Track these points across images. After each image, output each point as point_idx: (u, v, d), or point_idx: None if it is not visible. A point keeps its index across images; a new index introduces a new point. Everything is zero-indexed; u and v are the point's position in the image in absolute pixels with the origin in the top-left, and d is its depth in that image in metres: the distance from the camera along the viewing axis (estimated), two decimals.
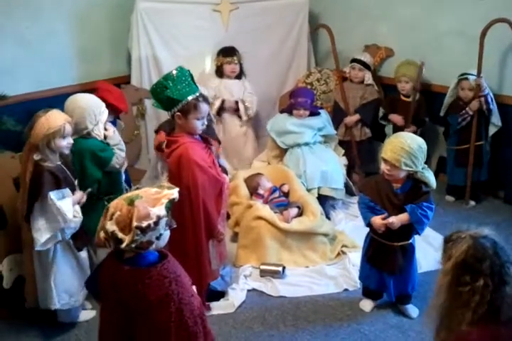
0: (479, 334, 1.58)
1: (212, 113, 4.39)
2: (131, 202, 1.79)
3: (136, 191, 1.89)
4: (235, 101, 4.47)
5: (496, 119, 4.02)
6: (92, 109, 2.98)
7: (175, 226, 1.94)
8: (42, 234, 2.63)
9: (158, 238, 1.85)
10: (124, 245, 1.77)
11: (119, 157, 3.08)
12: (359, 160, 4.54)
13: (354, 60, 4.57)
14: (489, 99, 3.92)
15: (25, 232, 2.75)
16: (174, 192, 1.89)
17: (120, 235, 1.76)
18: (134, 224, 1.75)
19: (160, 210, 1.81)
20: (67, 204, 2.66)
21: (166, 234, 1.92)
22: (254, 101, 4.50)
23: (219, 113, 4.49)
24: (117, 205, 1.80)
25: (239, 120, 4.56)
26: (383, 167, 2.72)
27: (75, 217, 2.69)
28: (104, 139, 3.05)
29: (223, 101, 4.45)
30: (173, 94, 2.72)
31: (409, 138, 2.70)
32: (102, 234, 1.81)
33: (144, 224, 1.76)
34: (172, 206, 1.87)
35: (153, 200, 1.83)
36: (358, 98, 4.57)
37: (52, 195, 2.61)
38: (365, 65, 4.57)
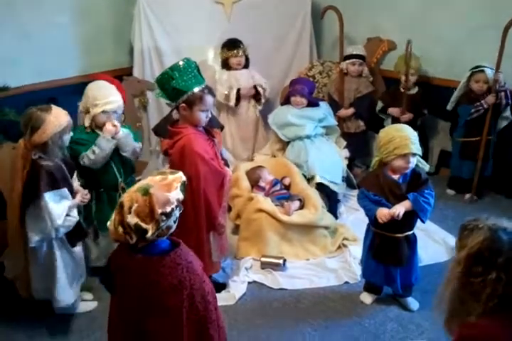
0: (490, 324, 1.57)
1: (231, 104, 4.43)
2: (145, 192, 1.79)
3: (142, 181, 1.88)
4: (254, 86, 4.50)
5: (508, 113, 4.00)
6: (88, 95, 3.02)
7: (183, 209, 1.95)
8: (35, 233, 2.63)
9: (175, 222, 1.88)
10: (149, 234, 1.77)
11: (86, 158, 2.99)
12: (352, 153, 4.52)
13: (353, 56, 4.51)
14: (508, 94, 3.90)
15: (17, 227, 2.72)
16: (181, 175, 1.91)
17: (144, 225, 1.76)
18: (159, 210, 1.76)
19: (178, 194, 1.84)
20: (61, 207, 2.64)
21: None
22: (266, 82, 4.56)
23: (237, 103, 4.52)
24: (131, 198, 1.79)
25: (254, 106, 4.61)
26: (403, 163, 2.70)
27: (70, 216, 2.69)
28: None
29: (239, 90, 4.46)
30: (179, 84, 2.71)
31: (407, 128, 2.77)
32: (120, 230, 1.79)
33: (168, 209, 1.78)
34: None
35: (165, 186, 1.83)
36: (353, 91, 4.56)
37: (48, 196, 2.59)
38: (364, 59, 4.56)
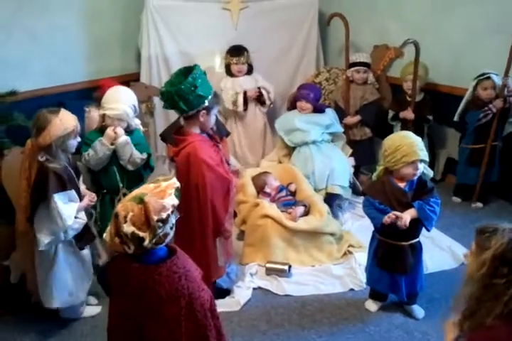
0: (504, 327, 1.57)
1: (240, 109, 4.46)
2: (140, 201, 1.78)
3: (136, 191, 1.88)
4: (257, 88, 4.52)
5: None
6: (105, 96, 3.10)
7: (179, 216, 1.95)
8: (45, 235, 2.64)
9: (171, 228, 1.87)
10: (147, 242, 1.77)
11: (83, 158, 3.05)
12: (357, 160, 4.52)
13: (358, 64, 4.52)
14: None
15: (25, 229, 2.74)
16: (175, 181, 1.90)
17: (141, 234, 1.76)
18: (155, 217, 1.76)
19: (172, 200, 1.83)
20: (71, 209, 2.66)
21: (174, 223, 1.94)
22: (270, 86, 4.58)
23: (245, 107, 4.55)
24: (126, 207, 1.79)
25: (261, 110, 4.63)
26: (411, 170, 2.69)
27: (79, 218, 2.71)
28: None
29: (245, 93, 4.49)
30: (203, 91, 2.71)
31: (412, 135, 2.77)
32: (117, 240, 1.79)
33: (164, 215, 1.78)
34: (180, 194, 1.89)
35: (159, 193, 1.83)
36: (359, 99, 4.56)
37: (57, 197, 2.60)
38: (368, 66, 4.58)
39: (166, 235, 1.85)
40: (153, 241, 1.80)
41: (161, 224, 1.78)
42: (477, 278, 1.62)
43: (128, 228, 1.76)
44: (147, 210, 1.76)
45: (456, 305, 1.68)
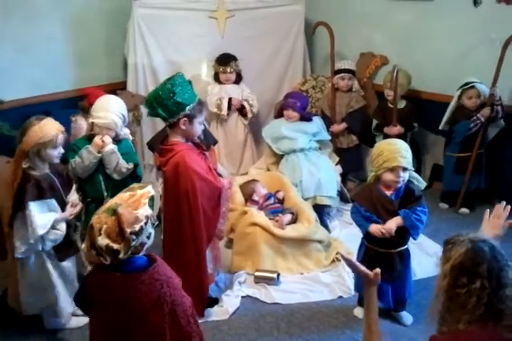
0: (477, 334, 1.60)
1: (223, 113, 4.47)
2: (113, 212, 1.78)
3: (111, 200, 1.87)
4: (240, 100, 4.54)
5: (498, 125, 4.06)
6: (93, 106, 3.08)
7: (157, 223, 1.94)
8: (21, 242, 2.63)
9: (148, 237, 1.87)
10: (122, 254, 1.77)
11: (70, 165, 3.02)
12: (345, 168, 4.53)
13: (343, 71, 4.55)
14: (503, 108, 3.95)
15: (9, 239, 2.72)
16: (150, 190, 1.89)
17: (116, 246, 1.76)
18: (127, 230, 1.75)
19: (146, 210, 1.82)
20: (46, 218, 2.63)
21: (152, 232, 1.92)
22: (255, 99, 4.59)
23: (229, 113, 4.55)
24: (100, 220, 1.79)
25: (242, 121, 4.64)
26: (392, 177, 2.70)
27: (57, 230, 2.68)
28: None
29: (230, 99, 4.50)
30: (182, 98, 2.72)
31: (398, 141, 2.78)
32: (93, 252, 1.80)
33: (137, 227, 1.77)
34: (153, 202, 1.88)
35: (133, 203, 1.82)
36: (344, 106, 4.58)
37: (32, 205, 2.59)
38: (353, 73, 4.60)
39: (142, 245, 1.85)
40: (129, 252, 1.80)
41: (134, 237, 1.77)
42: (443, 290, 1.66)
43: (102, 241, 1.76)
44: (120, 222, 1.75)
45: (432, 314, 1.73)
